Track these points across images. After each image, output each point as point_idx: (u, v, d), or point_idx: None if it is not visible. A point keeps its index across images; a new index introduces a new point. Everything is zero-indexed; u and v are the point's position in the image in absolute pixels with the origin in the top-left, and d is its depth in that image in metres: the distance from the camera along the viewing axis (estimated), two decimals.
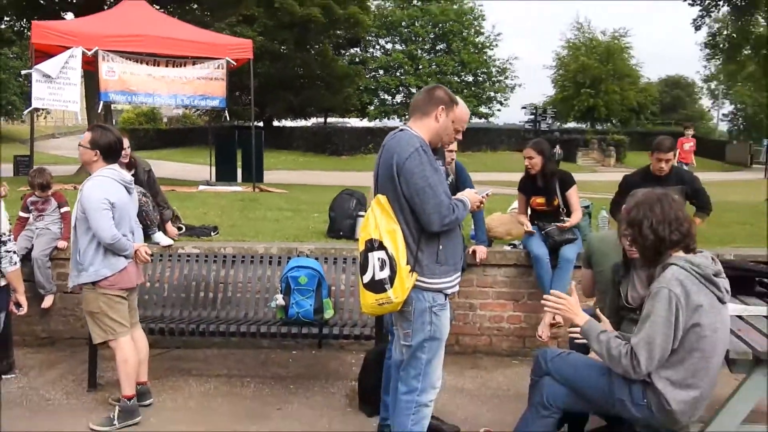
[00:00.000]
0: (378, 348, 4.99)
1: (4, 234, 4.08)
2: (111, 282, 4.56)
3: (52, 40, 11.13)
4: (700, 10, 27.99)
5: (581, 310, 3.53)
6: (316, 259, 5.73)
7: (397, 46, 50.54)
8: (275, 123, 44.91)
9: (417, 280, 3.45)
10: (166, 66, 11.79)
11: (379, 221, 3.46)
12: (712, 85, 61.59)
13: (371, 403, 4.82)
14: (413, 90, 49.71)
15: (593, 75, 53.37)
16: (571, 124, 57.80)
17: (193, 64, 11.93)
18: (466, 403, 5.10)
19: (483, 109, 51.23)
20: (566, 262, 5.86)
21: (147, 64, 11.65)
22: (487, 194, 3.96)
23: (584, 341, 3.55)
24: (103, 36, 11.38)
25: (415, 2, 50.20)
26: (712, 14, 29.26)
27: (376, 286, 3.43)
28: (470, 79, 51.32)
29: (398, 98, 50.60)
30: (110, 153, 4.63)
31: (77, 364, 5.88)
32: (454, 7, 50.19)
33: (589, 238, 5.12)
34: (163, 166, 22.88)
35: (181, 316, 5.70)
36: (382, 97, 50.57)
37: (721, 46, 34.46)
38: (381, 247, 3.41)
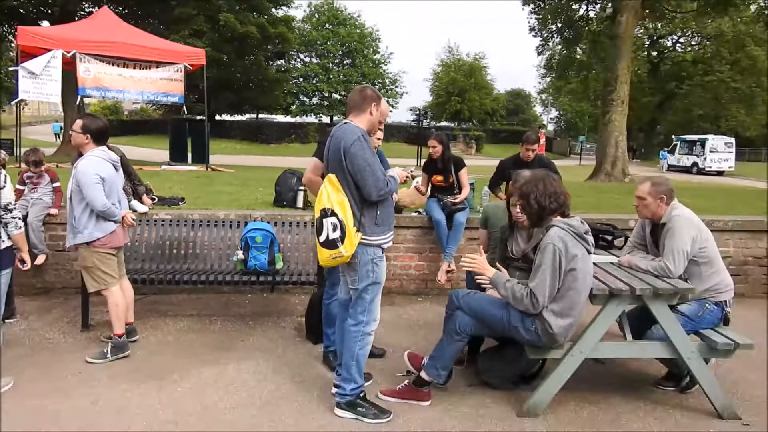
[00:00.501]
0: (319, 292, 4.85)
1: (11, 203, 3.67)
2: (102, 242, 4.25)
3: (36, 43, 10.20)
4: (541, 41, 28.81)
5: (488, 265, 3.58)
6: (269, 222, 5.51)
7: (314, 60, 49.77)
8: (217, 117, 43.41)
9: (362, 238, 3.38)
10: (134, 68, 11.03)
11: (331, 194, 3.38)
12: (543, 96, 63.93)
13: (315, 333, 4.72)
14: (326, 94, 49.29)
15: (460, 86, 55.19)
16: (444, 123, 58.80)
17: (157, 67, 11.24)
18: (387, 332, 5.03)
19: None
20: (459, 225, 5.95)
21: (117, 66, 10.87)
22: (411, 171, 3.92)
23: (488, 286, 3.58)
24: (80, 41, 10.52)
25: (327, 26, 49.41)
26: (549, 44, 30.17)
27: (330, 244, 3.36)
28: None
29: (314, 100, 50.02)
30: (99, 136, 4.29)
31: (69, 309, 5.51)
32: (357, 30, 49.77)
33: (485, 207, 5.13)
34: (128, 150, 21.55)
35: (158, 269, 5.37)
36: (302, 98, 49.73)
37: (554, 67, 35.93)
38: (333, 214, 3.35)
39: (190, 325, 5.19)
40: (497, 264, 3.89)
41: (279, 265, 5.22)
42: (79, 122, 4.27)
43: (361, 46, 49.55)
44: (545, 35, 27.81)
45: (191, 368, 4.25)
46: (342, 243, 3.30)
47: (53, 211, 5.85)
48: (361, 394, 3.55)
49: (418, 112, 34.06)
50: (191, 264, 5.55)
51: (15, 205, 3.73)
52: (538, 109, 77.42)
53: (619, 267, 4.00)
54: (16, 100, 9.93)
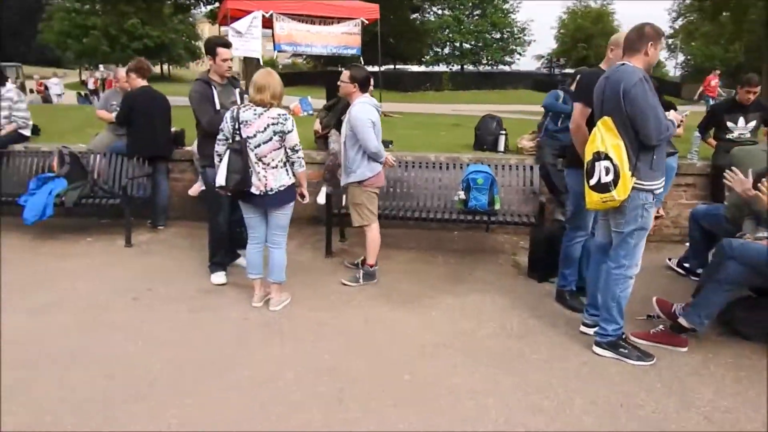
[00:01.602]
0: (545, 232, 4.67)
1: (297, 144, 3.77)
2: (371, 182, 4.34)
3: (242, 6, 10.58)
4: None
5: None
6: (488, 165, 5.32)
7: (446, 12, 47.89)
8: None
9: (635, 183, 3.06)
10: (319, 24, 11.13)
11: (605, 137, 3.09)
12: (670, 41, 57.23)
13: (540, 272, 4.55)
14: (456, 44, 47.54)
15: (586, 33, 50.67)
16: (569, 70, 54.80)
17: (338, 22, 11.25)
18: None
19: (507, 58, 48.85)
20: (671, 170, 5.34)
21: (306, 23, 11.02)
22: (686, 114, 3.51)
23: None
24: (276, 2, 10.76)
25: None
26: None
27: (602, 188, 3.10)
28: (498, 36, 48.67)
29: (446, 50, 48.43)
30: (364, 84, 4.29)
31: (306, 237, 5.71)
32: None
33: (734, 151, 4.51)
34: (289, 100, 22.31)
35: (381, 205, 5.40)
36: (435, 49, 48.33)
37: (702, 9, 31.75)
38: (606, 157, 3.07)
39: (415, 257, 5.24)
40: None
41: (497, 206, 5.05)
42: (346, 73, 4.31)
43: None
44: None
45: (435, 296, 4.28)
46: (615, 187, 3.04)
47: None
48: (623, 336, 3.35)
49: (549, 59, 31.84)
50: (406, 202, 5.54)
51: (300, 146, 3.82)
52: (662, 54, 69.78)
53: None
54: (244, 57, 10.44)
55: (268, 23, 10.75)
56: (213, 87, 4.30)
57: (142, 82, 5.57)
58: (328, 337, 3.59)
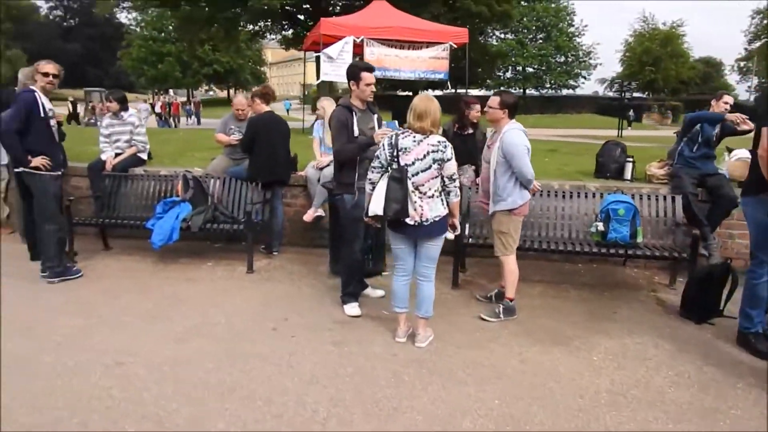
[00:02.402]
0: (704, 270, 4.30)
1: (455, 173, 3.61)
2: (521, 210, 4.13)
3: (334, 31, 10.75)
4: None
5: None
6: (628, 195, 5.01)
7: (509, 36, 47.62)
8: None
9: None
10: (408, 49, 11.15)
11: None
12: (742, 63, 54.60)
13: (697, 312, 4.18)
14: (518, 68, 47.11)
15: (655, 56, 49.08)
16: (638, 94, 53.22)
17: (426, 47, 11.24)
18: None
19: (571, 82, 47.99)
20: None
21: (395, 47, 11.06)
22: None
23: None
24: (367, 28, 10.88)
25: (523, 2, 46.84)
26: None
27: None
28: (562, 59, 47.95)
29: (508, 74, 48.05)
30: (514, 110, 4.11)
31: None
32: (553, 5, 46.53)
33: None
34: None
35: None
36: (497, 73, 48.05)
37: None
38: None
39: (544, 291, 4.97)
40: None
41: (639, 239, 4.72)
42: (496, 99, 4.15)
43: (557, 20, 46.34)
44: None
45: (585, 336, 3.99)
46: None
47: None
48: None
49: (620, 83, 30.97)
50: (528, 231, 5.24)
51: (457, 175, 3.66)
52: (732, 77, 66.87)
53: None
54: (319, 81, 10.57)
55: (357, 48, 10.86)
56: (354, 113, 4.23)
57: (265, 108, 5.60)
58: (488, 379, 3.36)
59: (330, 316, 4.28)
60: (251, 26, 22.12)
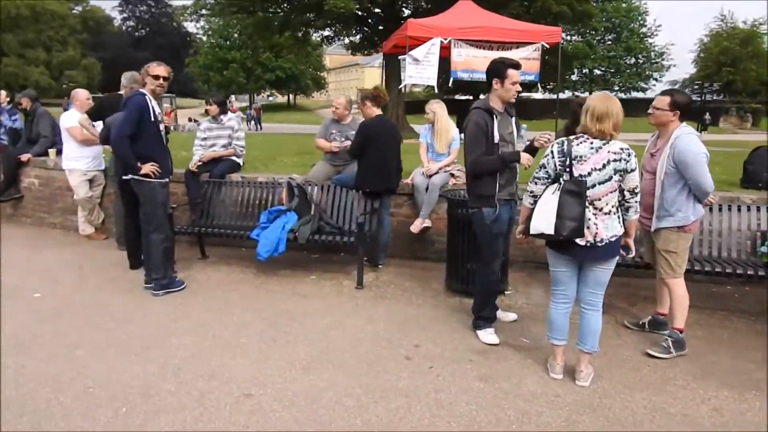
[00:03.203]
0: None
1: (638, 186, 3.05)
2: (693, 226, 3.54)
3: (421, 33, 10.33)
4: None
5: None
6: None
7: (575, 37, 45.93)
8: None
9: None
10: (497, 50, 10.58)
11: None
12: None
13: None
14: (585, 70, 45.40)
15: (733, 56, 46.06)
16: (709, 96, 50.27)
17: (516, 47, 10.64)
18: None
19: (642, 84, 45.80)
20: None
21: (483, 48, 10.52)
22: None
23: None
24: (454, 28, 10.40)
25: (593, 3, 45.14)
26: None
27: None
28: (632, 61, 45.85)
29: (574, 77, 46.31)
30: (686, 112, 3.50)
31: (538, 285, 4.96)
32: (624, 5, 44.56)
33: None
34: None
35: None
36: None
37: None
38: None
39: (701, 319, 4.29)
40: None
41: None
42: (666, 98, 3.55)
43: (628, 20, 44.36)
44: None
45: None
46: None
47: None
48: None
49: (701, 86, 29.19)
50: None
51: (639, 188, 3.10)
52: None
53: None
54: (402, 85, 10.19)
55: (443, 51, 10.39)
56: (494, 116, 3.74)
57: (376, 111, 5.20)
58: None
59: (465, 344, 3.80)
60: (320, 31, 22.09)
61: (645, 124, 4.32)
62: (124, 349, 3.66)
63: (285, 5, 18.59)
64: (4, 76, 46.00)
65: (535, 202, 3.17)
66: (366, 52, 25.48)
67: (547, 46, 10.84)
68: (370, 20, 20.20)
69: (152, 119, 4.48)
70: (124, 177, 4.55)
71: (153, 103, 4.52)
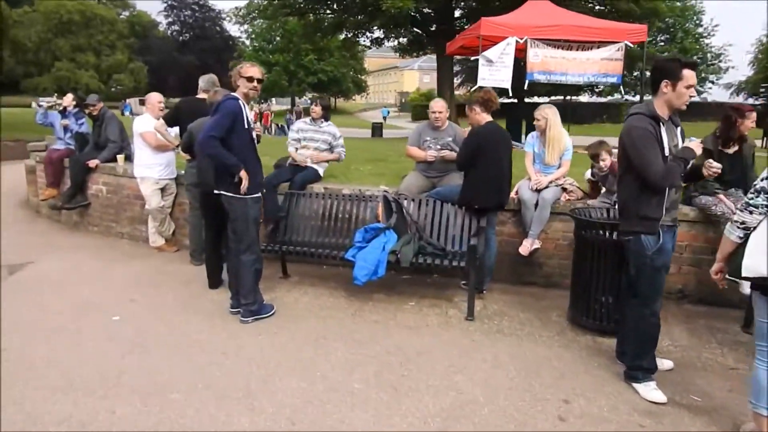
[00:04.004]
0: None
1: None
2: None
3: (496, 32, 9.67)
4: None
5: None
6: None
7: None
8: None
9: None
10: (576, 50, 9.84)
11: None
12: None
13: None
14: (636, 73, 43.70)
15: None
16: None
17: (598, 47, 9.87)
18: None
19: (698, 87, 43.91)
20: None
21: (562, 48, 9.80)
22: None
23: None
24: (531, 27, 9.70)
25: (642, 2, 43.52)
26: None
27: None
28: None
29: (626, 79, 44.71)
30: None
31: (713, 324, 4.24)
32: (678, 4, 42.71)
33: None
34: None
35: None
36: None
37: None
38: None
39: None
40: None
41: None
42: None
43: (683, 20, 42.53)
44: None
45: None
46: None
47: None
48: None
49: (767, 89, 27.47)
50: None
51: None
52: None
53: None
54: (475, 87, 9.56)
55: (518, 52, 9.73)
56: (661, 124, 3.11)
57: (486, 117, 4.60)
58: None
59: (624, 400, 3.16)
60: (371, 34, 21.62)
61: (705, 128, 3.55)
62: (225, 393, 3.16)
63: (341, 4, 18.14)
64: (57, 80, 47.32)
65: (747, 236, 2.52)
66: (414, 54, 24.87)
67: (631, 45, 10.04)
68: (422, 21, 19.62)
69: (245, 126, 3.99)
70: (216, 192, 4.05)
71: (246, 109, 4.03)
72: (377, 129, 25.72)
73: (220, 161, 3.92)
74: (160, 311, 4.41)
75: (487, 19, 9.65)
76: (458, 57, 20.50)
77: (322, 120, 5.79)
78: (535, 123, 5.05)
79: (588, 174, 5.19)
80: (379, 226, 4.60)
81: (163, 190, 5.99)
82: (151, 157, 5.82)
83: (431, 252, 4.60)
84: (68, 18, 49.06)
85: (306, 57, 47.25)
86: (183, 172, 5.80)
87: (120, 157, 6.67)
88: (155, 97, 5.94)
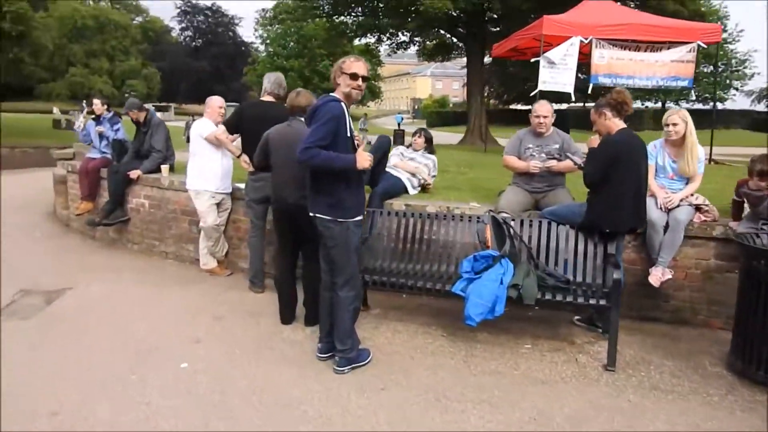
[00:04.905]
0: None
1: None
2: None
3: (558, 31, 8.94)
4: None
5: None
6: None
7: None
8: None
9: None
10: (645, 51, 9.09)
11: None
12: None
13: None
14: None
15: None
16: None
17: (668, 48, 9.11)
18: None
19: (722, 94, 43.02)
20: None
21: (629, 50, 9.04)
22: None
23: None
24: (596, 26, 8.97)
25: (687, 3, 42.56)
26: None
27: None
28: (709, 69, 42.97)
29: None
30: None
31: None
32: (702, 8, 41.87)
33: None
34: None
35: None
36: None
37: None
38: None
39: None
40: None
41: None
42: None
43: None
44: None
45: None
46: None
47: None
48: None
49: None
50: None
51: None
52: None
53: None
54: (535, 92, 8.84)
55: (582, 56, 8.99)
56: None
57: (620, 124, 3.86)
58: None
59: None
60: (396, 38, 20.97)
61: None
62: None
63: (376, 4, 17.49)
64: (70, 86, 47.02)
65: None
66: (440, 58, 24.21)
67: (704, 46, 9.27)
68: (457, 23, 18.93)
69: (347, 134, 3.26)
70: (311, 214, 3.32)
71: (348, 113, 3.31)
72: (398, 136, 24.94)
73: (329, 168, 3.17)
74: (233, 355, 3.68)
75: (549, 17, 8.90)
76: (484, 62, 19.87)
77: (425, 150, 5.54)
78: (667, 129, 4.30)
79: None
80: (492, 254, 3.84)
81: (218, 205, 5.28)
82: (208, 168, 5.11)
83: (553, 285, 3.84)
84: (83, 23, 48.83)
85: (321, 63, 46.68)
86: (242, 186, 5.09)
87: (164, 168, 5.98)
88: (216, 101, 5.24)
